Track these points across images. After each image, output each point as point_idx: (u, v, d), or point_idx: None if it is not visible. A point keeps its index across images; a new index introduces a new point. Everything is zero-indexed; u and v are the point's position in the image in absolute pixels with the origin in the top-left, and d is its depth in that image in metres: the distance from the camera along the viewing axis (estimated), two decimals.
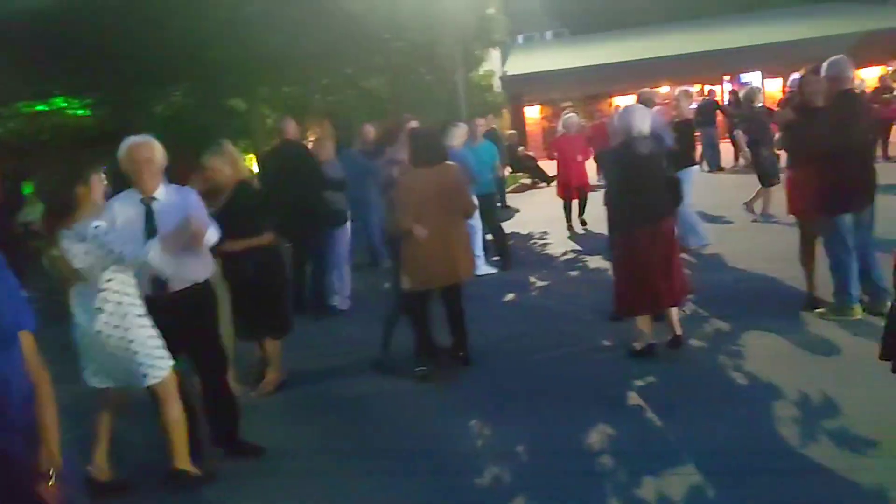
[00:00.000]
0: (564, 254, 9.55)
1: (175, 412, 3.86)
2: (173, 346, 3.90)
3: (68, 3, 11.13)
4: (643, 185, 5.14)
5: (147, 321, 3.76)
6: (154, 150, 3.96)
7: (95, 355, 3.72)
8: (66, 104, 17.29)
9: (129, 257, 3.60)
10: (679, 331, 5.31)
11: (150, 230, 3.87)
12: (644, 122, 5.18)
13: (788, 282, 6.60)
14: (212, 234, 4.10)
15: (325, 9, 11.69)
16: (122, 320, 3.65)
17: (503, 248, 9.15)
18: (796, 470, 3.56)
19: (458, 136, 8.68)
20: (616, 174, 5.44)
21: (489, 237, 9.17)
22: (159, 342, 3.79)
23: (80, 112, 17.34)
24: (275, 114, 17.95)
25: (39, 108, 17.49)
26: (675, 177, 5.43)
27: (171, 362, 3.85)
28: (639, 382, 4.86)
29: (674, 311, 5.33)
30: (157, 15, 11.87)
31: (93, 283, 3.60)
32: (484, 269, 8.76)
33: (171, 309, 3.94)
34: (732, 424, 4.08)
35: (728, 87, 23.19)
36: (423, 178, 5.26)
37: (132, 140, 3.99)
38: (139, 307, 3.74)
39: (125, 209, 3.94)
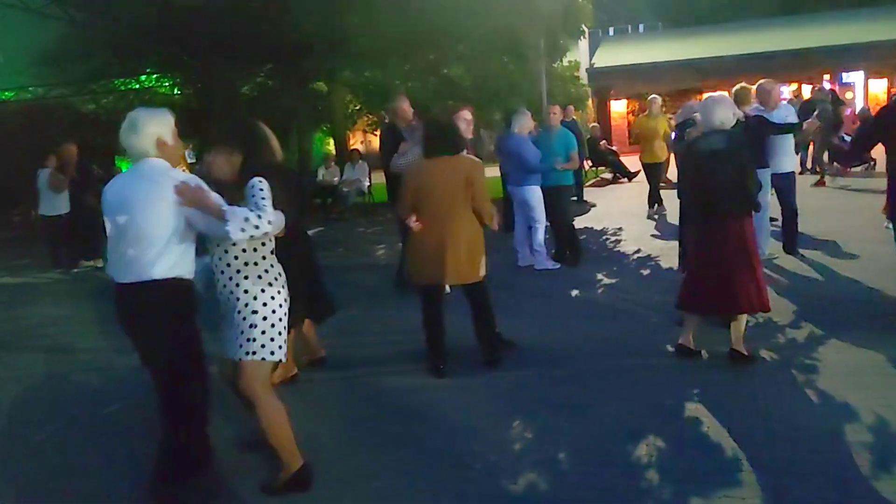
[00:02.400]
0: (637, 252, 9.19)
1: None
2: None
3: None
4: (706, 181, 4.91)
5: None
6: None
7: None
8: (156, 82, 17.83)
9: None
10: (736, 345, 4.97)
11: None
12: (717, 115, 4.93)
13: (881, 293, 6.15)
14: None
15: None
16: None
17: (573, 243, 8.85)
18: None
19: (522, 123, 8.46)
20: (683, 167, 5.24)
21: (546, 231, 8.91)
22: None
23: (168, 91, 17.85)
24: (356, 98, 18.10)
25: (132, 85, 18.10)
26: (754, 178, 5.00)
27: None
28: (697, 393, 4.55)
29: (737, 322, 5.00)
30: None
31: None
32: (545, 264, 8.52)
33: None
34: (795, 447, 3.75)
35: (827, 86, 22.10)
36: (429, 169, 5.12)
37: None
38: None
39: None
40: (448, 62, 15.95)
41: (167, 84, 17.92)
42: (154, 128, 3.45)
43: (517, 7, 13.47)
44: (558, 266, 8.55)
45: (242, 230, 3.30)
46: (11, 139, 15.82)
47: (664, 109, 14.95)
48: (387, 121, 8.77)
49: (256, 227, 3.33)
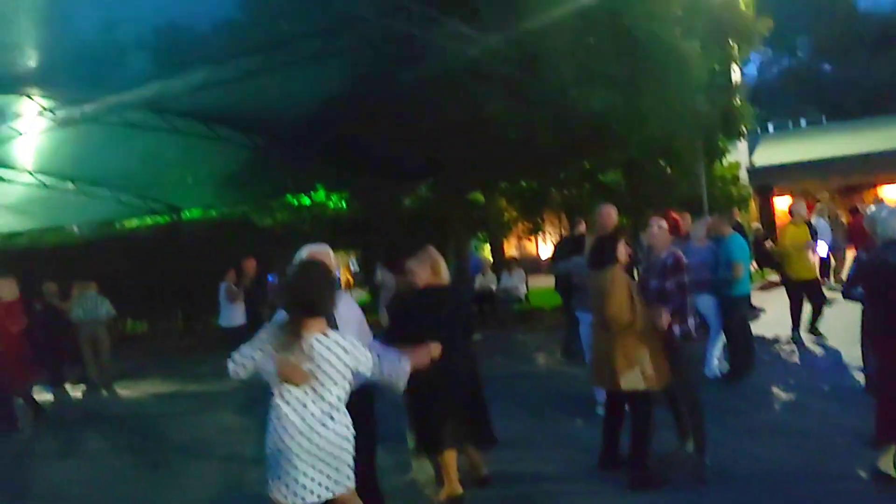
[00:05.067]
0: (814, 362, 8.66)
1: None
2: None
3: (332, 109, 12.28)
4: (891, 296, 4.65)
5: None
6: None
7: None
8: (325, 198, 19.06)
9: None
10: None
11: None
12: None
13: None
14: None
15: (563, 107, 11.87)
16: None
17: (745, 353, 8.41)
18: None
19: (699, 231, 8.35)
20: (867, 279, 4.96)
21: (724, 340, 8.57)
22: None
23: (336, 205, 19.03)
24: (512, 206, 18.51)
25: (304, 201, 19.44)
26: None
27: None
28: None
29: None
30: (406, 117, 12.75)
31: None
32: (712, 369, 8.19)
33: None
34: None
35: None
36: (591, 279, 5.64)
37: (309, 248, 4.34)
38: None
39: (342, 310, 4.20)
40: (603, 168, 16.08)
41: (335, 199, 19.08)
42: None
43: (674, 113, 13.46)
44: (718, 375, 8.19)
45: None
46: (198, 254, 17.27)
47: (834, 206, 14.23)
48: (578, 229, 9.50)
49: None
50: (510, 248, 24.32)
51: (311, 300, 3.60)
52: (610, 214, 7.09)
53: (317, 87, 11.64)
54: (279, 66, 10.22)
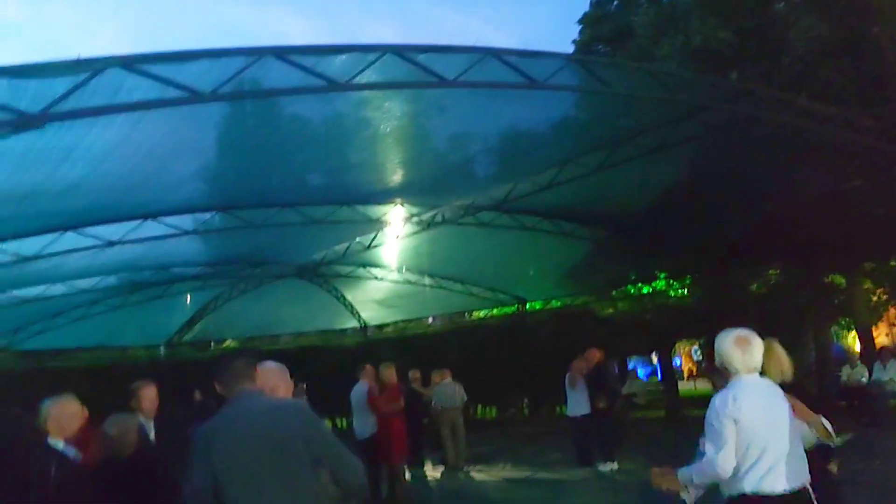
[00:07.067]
0: None
1: None
2: None
3: (674, 197, 12.22)
4: None
5: None
6: None
7: None
8: (665, 286, 18.72)
9: None
10: None
11: None
12: None
13: None
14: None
15: None
16: None
17: None
18: None
19: None
20: None
21: None
22: None
23: (677, 293, 18.56)
24: (880, 288, 16.58)
25: (644, 290, 19.29)
26: None
27: None
28: None
29: None
30: (753, 199, 12.24)
31: None
32: None
33: None
34: None
35: None
36: None
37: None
38: None
39: None
40: None
41: (676, 286, 18.67)
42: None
43: None
44: None
45: None
46: (541, 343, 17.87)
47: None
48: None
49: None
50: (881, 337, 21.74)
51: None
52: None
53: (658, 176, 11.65)
54: (620, 162, 10.42)
